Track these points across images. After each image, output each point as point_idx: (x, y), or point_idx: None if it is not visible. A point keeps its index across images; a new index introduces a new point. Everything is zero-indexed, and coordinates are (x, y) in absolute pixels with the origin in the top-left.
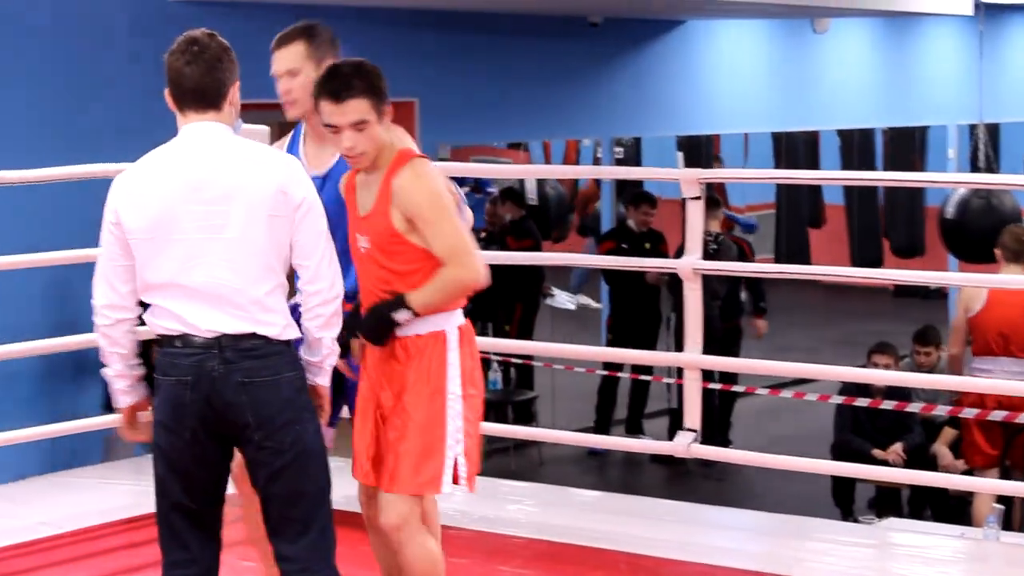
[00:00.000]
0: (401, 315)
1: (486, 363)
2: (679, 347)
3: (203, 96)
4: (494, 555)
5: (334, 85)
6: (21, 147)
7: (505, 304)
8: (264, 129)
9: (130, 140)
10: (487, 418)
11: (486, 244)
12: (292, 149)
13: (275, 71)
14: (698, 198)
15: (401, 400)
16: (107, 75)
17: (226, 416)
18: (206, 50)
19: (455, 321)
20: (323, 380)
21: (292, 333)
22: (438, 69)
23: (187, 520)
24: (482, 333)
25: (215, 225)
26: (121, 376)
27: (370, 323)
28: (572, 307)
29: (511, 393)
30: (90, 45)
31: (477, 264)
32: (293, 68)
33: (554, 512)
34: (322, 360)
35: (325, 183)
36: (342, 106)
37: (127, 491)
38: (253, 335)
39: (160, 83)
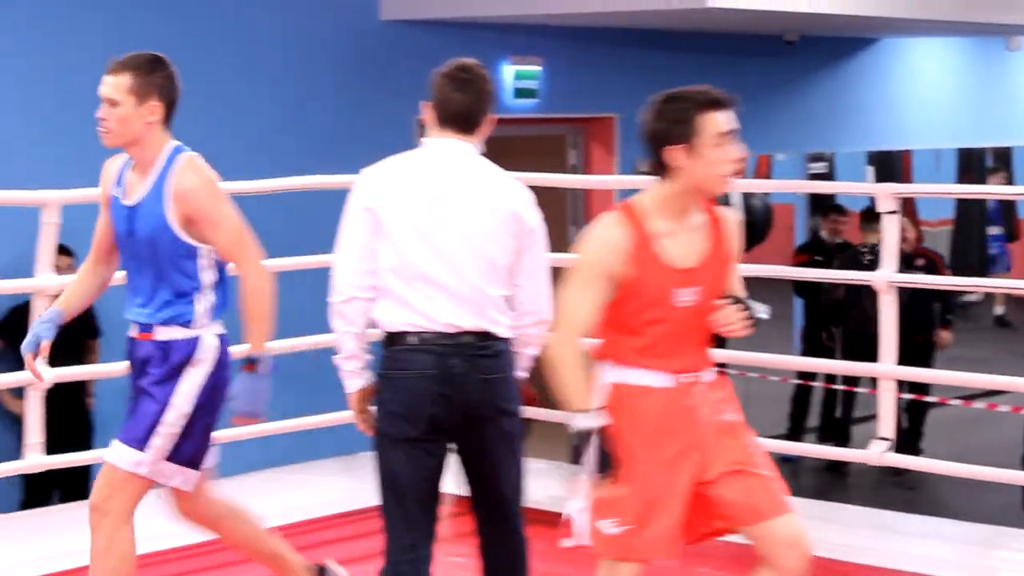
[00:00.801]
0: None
1: None
2: (848, 356)
3: (464, 120)
4: (692, 557)
5: (724, 95)
6: (239, 157)
7: None
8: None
9: (342, 151)
10: None
11: None
12: (122, 173)
13: (100, 93)
14: (894, 212)
15: (738, 428)
16: (321, 90)
17: (465, 410)
18: (475, 80)
19: None
20: None
21: (512, 333)
22: (638, 86)
23: (420, 506)
24: None
25: (460, 231)
26: (352, 357)
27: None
28: (765, 317)
29: None
30: (306, 61)
31: None
32: (114, 99)
33: None
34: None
35: (135, 214)
36: (731, 112)
37: (335, 487)
38: (487, 334)
39: (372, 97)
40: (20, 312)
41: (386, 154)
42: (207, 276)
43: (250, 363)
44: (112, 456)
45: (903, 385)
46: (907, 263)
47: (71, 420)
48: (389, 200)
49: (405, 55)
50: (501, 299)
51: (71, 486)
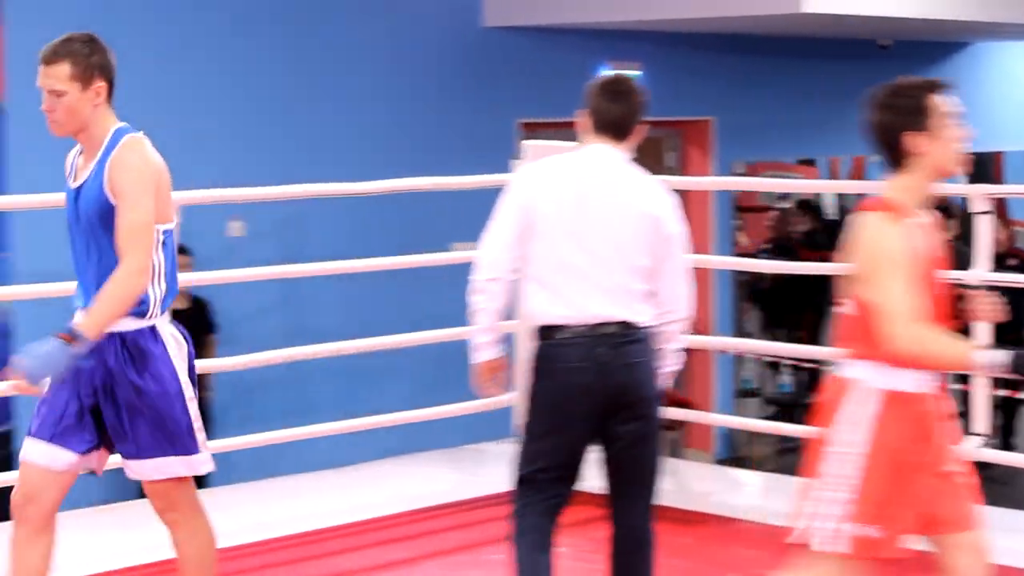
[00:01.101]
0: None
1: (775, 366)
2: None
3: (618, 129)
4: (788, 547)
5: (942, 80)
6: (348, 158)
7: (797, 312)
8: (568, 146)
9: (446, 153)
10: (779, 419)
11: (774, 254)
12: (75, 159)
13: (40, 85)
14: (987, 212)
15: (954, 433)
16: (426, 94)
17: (610, 396)
18: (628, 92)
19: None
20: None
21: (650, 322)
22: (734, 89)
23: (557, 480)
24: (775, 339)
25: (605, 232)
26: (487, 330)
27: None
28: None
29: (802, 396)
30: (411, 66)
31: None
32: (58, 89)
33: None
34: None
35: (79, 195)
36: (952, 95)
37: (442, 479)
38: (629, 324)
39: (475, 101)
40: None
41: (488, 156)
42: (154, 260)
43: (69, 335)
44: (161, 472)
45: (996, 382)
46: (999, 263)
47: None
48: (543, 198)
49: (507, 60)
50: (642, 292)
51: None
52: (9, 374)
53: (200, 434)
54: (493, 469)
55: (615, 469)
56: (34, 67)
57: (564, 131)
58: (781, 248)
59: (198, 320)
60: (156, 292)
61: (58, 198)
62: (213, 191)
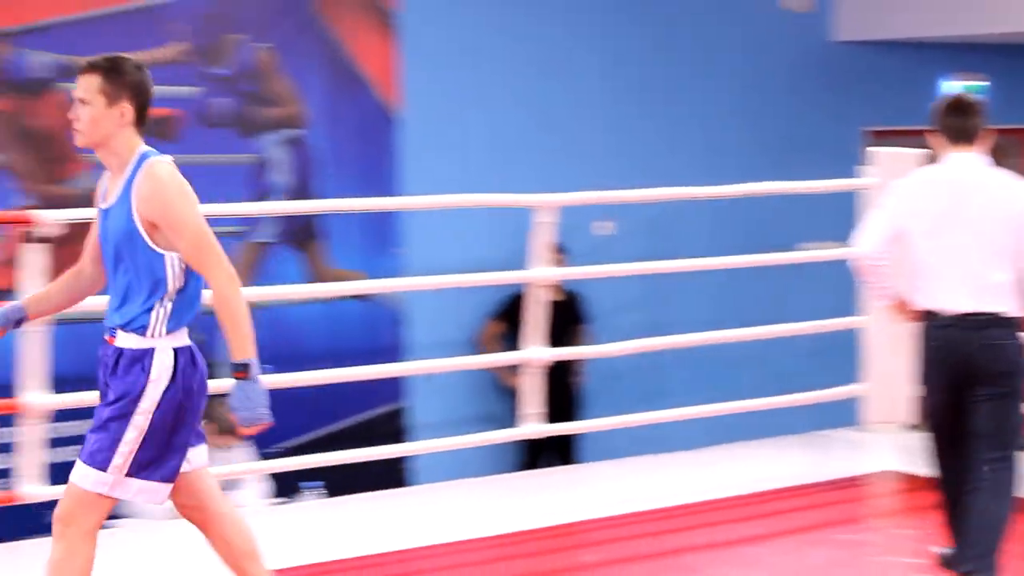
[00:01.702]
0: None
1: None
2: None
3: (962, 136)
4: None
5: None
6: (702, 162)
7: None
8: (919, 153)
9: (792, 160)
10: None
11: None
12: (107, 178)
13: (73, 94)
14: None
15: None
16: (776, 101)
17: (967, 370)
18: (969, 104)
19: None
20: None
21: (1016, 312)
22: None
23: (950, 436)
24: None
25: (974, 229)
26: (880, 293)
27: None
28: None
29: None
30: (763, 76)
31: None
32: (84, 98)
33: None
34: None
35: (107, 217)
36: None
37: (795, 462)
38: (991, 313)
39: (822, 111)
40: (517, 300)
41: (835, 162)
42: (172, 284)
43: (238, 370)
44: (75, 476)
45: None
46: None
47: (559, 395)
48: (916, 204)
49: (854, 72)
50: (1006, 284)
51: (561, 452)
52: (240, 432)
53: (118, 458)
54: (840, 454)
55: (969, 440)
56: (430, 79)
57: (908, 138)
58: None
59: (570, 312)
60: (159, 313)
61: (449, 199)
62: (589, 193)
